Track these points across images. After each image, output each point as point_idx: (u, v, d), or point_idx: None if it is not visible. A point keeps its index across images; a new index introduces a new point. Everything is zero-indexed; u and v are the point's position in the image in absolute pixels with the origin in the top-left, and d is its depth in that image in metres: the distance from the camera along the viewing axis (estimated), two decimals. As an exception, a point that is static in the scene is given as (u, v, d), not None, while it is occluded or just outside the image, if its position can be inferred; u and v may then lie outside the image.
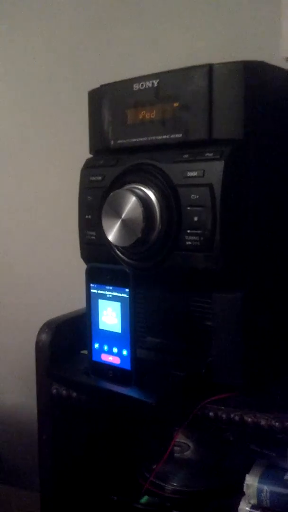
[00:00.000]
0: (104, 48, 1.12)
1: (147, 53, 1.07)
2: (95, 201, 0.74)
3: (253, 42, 0.98)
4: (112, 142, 0.74)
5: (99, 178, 0.74)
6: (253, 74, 0.65)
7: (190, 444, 0.89)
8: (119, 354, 0.67)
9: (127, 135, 0.73)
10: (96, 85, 0.77)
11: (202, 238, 0.64)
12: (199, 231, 0.64)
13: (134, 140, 0.72)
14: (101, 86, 0.75)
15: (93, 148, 0.79)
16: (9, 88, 1.26)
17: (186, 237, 0.65)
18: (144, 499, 0.79)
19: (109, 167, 0.73)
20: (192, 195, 0.64)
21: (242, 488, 0.71)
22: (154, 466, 0.83)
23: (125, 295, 0.66)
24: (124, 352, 0.66)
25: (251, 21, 0.99)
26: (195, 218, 0.64)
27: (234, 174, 0.63)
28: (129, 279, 0.65)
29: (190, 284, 0.69)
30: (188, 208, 0.65)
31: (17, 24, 1.23)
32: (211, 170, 0.63)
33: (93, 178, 0.75)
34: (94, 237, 0.75)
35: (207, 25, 1.03)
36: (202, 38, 1.03)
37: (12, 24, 1.23)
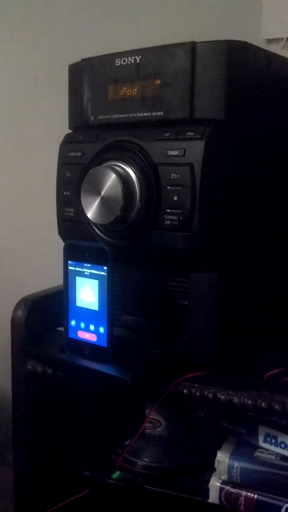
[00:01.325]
0: (84, 23, 1.10)
1: (128, 30, 1.06)
2: (73, 177, 0.73)
3: (234, 23, 0.98)
4: (92, 118, 0.74)
5: (79, 154, 0.73)
6: (236, 54, 0.65)
7: (162, 421, 0.90)
8: (95, 332, 0.67)
9: (108, 111, 0.72)
10: (76, 59, 0.76)
11: (181, 218, 0.64)
12: (178, 211, 0.64)
13: (114, 116, 0.71)
14: (82, 60, 0.74)
15: (72, 124, 0.78)
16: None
17: (165, 216, 0.65)
18: (116, 474, 0.80)
19: (88, 143, 0.73)
20: (172, 174, 0.64)
21: (213, 465, 0.73)
22: (127, 442, 0.84)
23: (103, 273, 0.66)
24: (101, 330, 0.66)
25: (233, 2, 0.98)
26: (175, 198, 0.64)
27: (214, 154, 0.63)
28: (107, 257, 0.65)
29: (168, 263, 0.69)
30: (168, 187, 0.65)
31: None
32: (192, 149, 0.63)
33: (72, 154, 0.74)
34: (72, 214, 0.74)
35: (189, 5, 1.02)
36: (182, 18, 1.02)
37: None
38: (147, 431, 0.87)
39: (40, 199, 1.15)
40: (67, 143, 0.76)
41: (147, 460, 0.82)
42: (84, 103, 0.74)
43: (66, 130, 0.78)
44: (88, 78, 0.73)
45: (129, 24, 1.06)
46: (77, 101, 0.75)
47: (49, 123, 1.13)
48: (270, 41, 0.94)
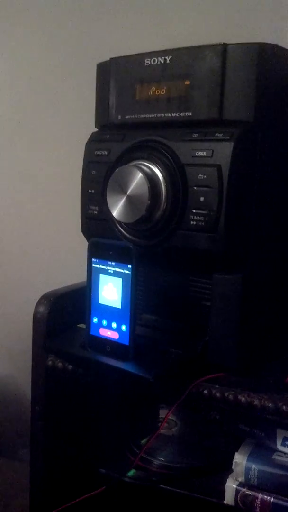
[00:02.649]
0: (114, 22, 1.10)
1: (157, 30, 1.06)
2: (99, 175, 0.74)
3: (262, 25, 0.98)
4: (119, 117, 0.74)
5: (105, 152, 0.74)
6: (267, 56, 0.65)
7: (177, 421, 0.91)
8: (118, 329, 0.67)
9: (135, 111, 0.72)
10: (103, 59, 0.76)
11: (207, 219, 0.64)
12: (204, 212, 0.64)
13: (142, 116, 0.71)
14: (111, 59, 0.74)
15: (98, 122, 0.78)
16: (14, 59, 1.24)
17: (191, 217, 0.65)
18: (131, 472, 0.80)
19: (115, 142, 0.73)
20: (200, 175, 0.64)
21: (228, 466, 0.73)
22: (143, 441, 0.84)
23: (127, 271, 0.66)
24: (123, 328, 0.67)
25: (262, 5, 0.98)
26: (201, 199, 0.64)
27: (242, 156, 0.63)
28: (132, 255, 0.65)
29: (191, 264, 0.69)
30: (195, 187, 0.65)
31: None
32: (220, 151, 0.63)
33: (98, 152, 0.74)
34: (96, 212, 0.74)
35: (217, 7, 1.01)
36: (211, 20, 1.02)
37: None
38: (162, 431, 0.87)
39: (63, 196, 1.16)
40: (93, 141, 0.76)
41: (162, 459, 0.82)
42: (111, 102, 0.74)
43: (92, 128, 0.79)
44: (116, 77, 0.74)
45: (158, 24, 1.06)
46: (104, 100, 0.75)
47: (75, 121, 1.14)
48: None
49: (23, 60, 1.22)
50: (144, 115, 0.71)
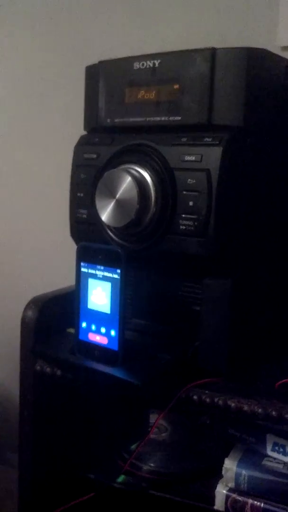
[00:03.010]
0: (103, 25, 1.10)
1: (146, 34, 1.06)
2: (88, 179, 0.73)
3: (250, 29, 0.98)
4: (108, 120, 0.73)
5: (94, 156, 0.73)
6: (256, 61, 0.65)
7: (167, 426, 0.90)
8: (106, 334, 0.67)
9: (124, 115, 0.72)
10: (92, 61, 0.75)
11: (196, 223, 0.64)
12: (193, 216, 0.64)
13: (131, 119, 0.71)
14: (100, 62, 0.74)
15: (87, 126, 0.78)
16: (2, 61, 1.23)
17: (180, 221, 0.65)
18: (121, 478, 0.80)
19: (104, 145, 0.73)
20: (189, 180, 0.64)
21: (218, 472, 0.73)
22: (132, 446, 0.84)
23: (116, 276, 0.65)
24: (112, 333, 0.66)
25: (249, 9, 0.98)
26: (190, 203, 0.64)
27: (231, 161, 0.63)
28: (121, 260, 0.65)
29: (181, 268, 0.69)
30: (184, 192, 0.64)
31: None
32: (209, 155, 0.63)
33: (87, 156, 0.74)
34: (85, 216, 0.74)
35: (205, 11, 1.02)
36: (199, 24, 1.02)
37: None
38: (152, 436, 0.86)
39: (52, 199, 1.15)
40: (82, 144, 0.76)
41: (152, 465, 0.82)
42: (100, 105, 0.74)
43: (80, 131, 0.78)
44: (105, 80, 0.73)
45: (147, 28, 1.06)
46: (93, 103, 0.75)
47: (63, 124, 1.13)
48: (286, 48, 0.94)
49: (11, 62, 1.22)
50: (133, 119, 0.71)
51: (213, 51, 0.64)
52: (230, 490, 0.71)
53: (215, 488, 0.72)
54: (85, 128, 0.78)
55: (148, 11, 1.06)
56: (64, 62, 1.15)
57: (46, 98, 1.18)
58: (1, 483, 1.12)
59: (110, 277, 0.66)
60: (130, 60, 0.70)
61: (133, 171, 0.67)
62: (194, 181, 0.64)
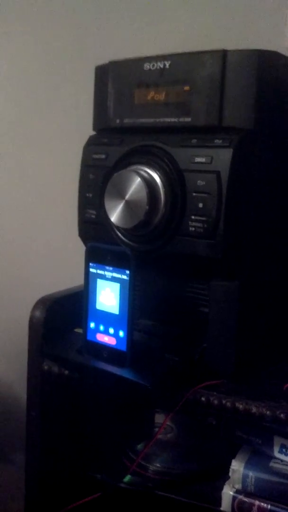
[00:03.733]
0: (113, 25, 1.10)
1: (155, 35, 1.06)
2: (96, 179, 0.73)
3: (258, 31, 0.98)
4: (117, 121, 0.73)
5: (103, 156, 0.73)
6: (267, 63, 0.65)
7: (173, 427, 0.90)
8: (115, 335, 0.67)
9: (134, 115, 0.72)
10: (102, 61, 0.75)
11: (205, 225, 0.64)
12: (203, 218, 0.64)
13: (140, 120, 0.71)
14: (110, 62, 0.74)
15: (96, 126, 0.78)
16: (11, 61, 1.23)
17: (190, 223, 0.65)
18: (127, 478, 0.80)
19: (113, 146, 0.72)
20: (199, 181, 0.64)
21: (225, 473, 0.73)
22: (139, 446, 0.84)
23: (125, 277, 0.66)
24: (121, 334, 0.66)
25: (257, 10, 0.98)
26: (200, 205, 0.64)
27: (242, 163, 0.63)
28: (130, 261, 0.65)
29: (189, 270, 0.69)
30: (194, 194, 0.64)
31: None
32: (219, 157, 0.63)
33: (96, 156, 0.74)
34: (94, 216, 0.74)
35: (214, 12, 1.01)
36: (205, 24, 1.02)
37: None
38: (158, 436, 0.86)
39: (60, 200, 1.15)
40: (91, 145, 0.76)
41: (158, 465, 0.82)
42: (109, 105, 0.74)
43: (89, 131, 0.78)
44: (115, 81, 0.73)
45: (157, 29, 1.06)
46: (103, 103, 0.75)
47: (71, 124, 1.13)
48: (294, 49, 0.94)
49: (20, 62, 1.22)
50: (142, 120, 0.71)
51: (224, 53, 0.64)
52: (237, 491, 0.71)
53: (222, 489, 0.72)
54: (94, 128, 0.78)
55: (158, 12, 1.06)
56: (73, 62, 1.14)
57: (55, 98, 1.18)
58: (9, 483, 1.12)
59: (119, 278, 0.66)
60: (140, 60, 0.70)
61: (143, 172, 0.67)
62: (204, 182, 0.64)
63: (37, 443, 0.76)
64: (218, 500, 0.72)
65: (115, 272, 0.67)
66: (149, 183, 0.66)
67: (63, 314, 0.76)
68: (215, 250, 0.64)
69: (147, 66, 0.70)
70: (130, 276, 0.65)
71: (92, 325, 0.69)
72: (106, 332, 0.68)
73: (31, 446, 0.77)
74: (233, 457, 0.72)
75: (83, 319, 0.70)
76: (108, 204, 0.68)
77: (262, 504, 0.69)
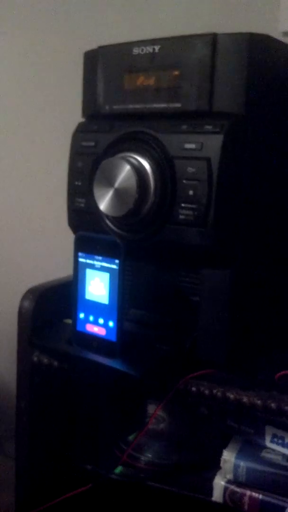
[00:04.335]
0: (102, 10, 1.08)
1: (145, 19, 1.04)
2: (86, 167, 0.72)
3: (251, 15, 0.96)
4: (106, 107, 0.72)
5: (92, 143, 0.72)
6: (258, 47, 0.64)
7: (165, 417, 0.90)
8: (105, 325, 0.66)
9: (123, 101, 0.70)
10: (91, 47, 0.74)
11: (196, 213, 0.63)
12: (193, 206, 0.63)
13: (130, 106, 0.70)
14: (99, 47, 0.72)
15: (85, 112, 0.76)
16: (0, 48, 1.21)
17: (180, 210, 0.64)
18: (118, 469, 0.79)
19: (102, 133, 0.71)
20: (189, 168, 0.63)
21: (216, 463, 0.72)
22: (130, 437, 0.83)
23: (114, 266, 0.65)
24: (110, 324, 0.65)
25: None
26: (190, 192, 0.63)
27: (232, 149, 0.62)
28: (120, 250, 0.64)
29: (180, 258, 0.68)
30: (184, 181, 0.63)
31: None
32: (210, 143, 0.62)
33: (85, 144, 0.73)
34: (83, 205, 0.73)
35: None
36: (198, 9, 1.00)
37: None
38: (150, 426, 0.86)
39: (49, 188, 1.14)
40: (80, 132, 0.74)
41: (150, 456, 0.81)
42: (98, 91, 0.72)
43: (78, 118, 0.77)
44: (104, 66, 0.72)
45: (147, 13, 1.04)
46: (92, 89, 0.73)
47: (60, 110, 1.12)
48: (287, 33, 0.93)
49: (7, 48, 1.20)
50: (132, 106, 0.69)
51: (214, 36, 0.63)
52: (229, 481, 0.70)
53: (213, 480, 0.72)
54: (83, 115, 0.77)
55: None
56: (62, 47, 1.13)
57: (43, 84, 1.16)
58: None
59: (108, 267, 0.65)
60: (129, 45, 0.69)
61: (132, 160, 0.65)
62: (194, 169, 0.63)
63: (27, 434, 0.76)
64: (209, 490, 0.72)
65: (104, 261, 0.66)
66: (138, 170, 0.64)
67: (53, 304, 0.75)
68: (205, 238, 0.63)
69: (136, 50, 0.68)
70: (119, 265, 0.64)
71: (81, 315, 0.68)
72: (95, 322, 0.67)
73: (21, 437, 0.76)
74: (225, 447, 0.72)
75: (72, 309, 0.69)
76: (97, 192, 0.67)
77: (253, 494, 0.69)
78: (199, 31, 0.64)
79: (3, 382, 1.22)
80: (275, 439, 0.69)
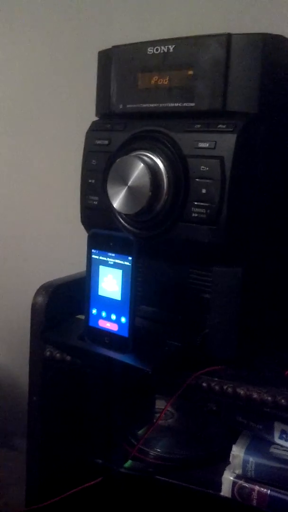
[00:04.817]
0: (116, 9, 1.08)
1: (160, 19, 1.04)
2: (99, 165, 0.73)
3: (264, 15, 0.97)
4: (120, 106, 0.73)
5: (105, 142, 0.73)
6: (271, 47, 0.64)
7: (174, 412, 0.91)
8: (117, 321, 0.67)
9: (137, 100, 0.71)
10: (105, 46, 0.75)
11: (208, 211, 0.64)
12: (206, 204, 0.64)
13: (144, 105, 0.70)
14: (113, 47, 0.73)
15: (99, 111, 0.77)
16: (14, 47, 1.22)
17: (193, 209, 0.65)
18: (128, 463, 0.80)
19: (116, 131, 0.72)
20: (202, 167, 0.64)
21: (225, 458, 0.73)
22: (139, 432, 0.84)
23: (127, 263, 0.65)
24: (123, 320, 0.66)
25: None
26: (203, 191, 0.64)
27: (246, 148, 0.63)
28: (133, 247, 0.65)
29: (192, 256, 0.69)
30: (197, 179, 0.64)
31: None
32: (223, 142, 0.63)
33: (99, 142, 0.73)
34: (96, 202, 0.74)
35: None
36: (211, 9, 1.00)
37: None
38: (159, 421, 0.87)
39: (63, 185, 1.15)
40: (94, 130, 0.75)
41: (159, 450, 0.82)
42: (112, 90, 0.73)
43: (92, 117, 0.78)
44: (118, 66, 0.73)
45: (161, 12, 1.04)
46: (106, 89, 0.74)
47: (74, 109, 1.13)
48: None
49: (21, 49, 1.21)
50: (145, 105, 0.70)
51: (228, 37, 0.63)
52: (237, 476, 0.71)
53: (222, 475, 0.73)
54: (97, 113, 0.78)
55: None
56: (75, 47, 1.13)
57: (57, 83, 1.17)
58: (10, 467, 1.13)
59: (121, 264, 0.66)
60: (143, 45, 0.70)
61: (146, 158, 0.66)
62: (207, 168, 0.63)
63: (39, 428, 0.77)
64: (218, 485, 0.73)
65: (117, 258, 0.66)
66: (152, 168, 0.65)
67: (65, 300, 0.76)
68: (217, 236, 0.64)
69: (150, 50, 0.69)
70: (132, 262, 0.65)
71: (94, 311, 0.69)
72: (108, 318, 0.68)
73: (33, 432, 0.77)
74: (234, 442, 0.73)
75: (85, 305, 0.70)
76: (110, 190, 0.68)
77: (262, 489, 0.69)
78: (212, 31, 0.65)
79: (16, 377, 1.23)
80: (284, 435, 0.70)
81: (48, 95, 1.18)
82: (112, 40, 0.74)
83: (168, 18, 1.03)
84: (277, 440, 0.71)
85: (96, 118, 0.77)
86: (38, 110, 1.20)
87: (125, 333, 0.66)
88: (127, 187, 0.66)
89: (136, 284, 0.66)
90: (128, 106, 0.72)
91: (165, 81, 0.68)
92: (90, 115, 0.78)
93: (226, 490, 0.72)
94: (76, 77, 1.13)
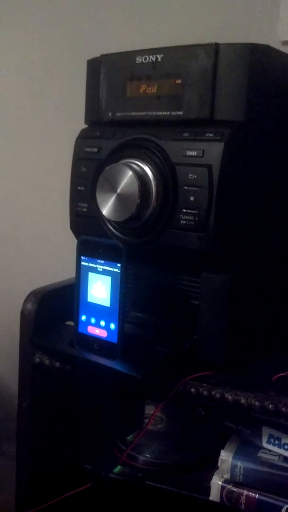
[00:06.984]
0: (105, 19, 1.09)
1: (146, 28, 1.05)
2: (88, 172, 0.73)
3: (250, 24, 0.98)
4: (109, 114, 0.74)
5: (95, 149, 0.73)
6: (259, 57, 0.65)
7: (163, 417, 0.91)
8: (106, 328, 0.67)
9: (126, 108, 0.72)
10: (94, 55, 0.75)
11: (197, 218, 0.64)
12: (194, 211, 0.64)
13: (133, 114, 0.71)
14: (102, 55, 0.74)
15: (88, 119, 0.78)
16: (2, 53, 1.22)
17: (181, 216, 0.65)
18: (117, 469, 0.81)
19: (105, 139, 0.73)
20: (190, 175, 0.65)
21: (213, 463, 0.73)
22: (129, 437, 0.85)
23: (116, 270, 0.66)
24: (112, 326, 0.67)
25: (250, 4, 0.98)
26: (191, 198, 0.65)
27: (233, 156, 0.64)
28: (121, 254, 0.65)
29: (181, 262, 0.69)
30: (185, 187, 0.65)
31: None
32: (211, 151, 0.64)
33: (88, 149, 0.74)
34: (85, 209, 0.74)
35: (206, 5, 1.01)
36: (199, 19, 1.02)
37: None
38: (148, 427, 0.87)
39: (52, 192, 1.15)
40: (83, 138, 0.76)
41: (148, 455, 0.83)
42: (101, 98, 0.74)
43: (81, 125, 0.78)
44: (107, 74, 0.73)
45: (149, 22, 1.05)
46: (95, 97, 0.75)
47: (63, 117, 1.13)
48: (286, 43, 0.95)
49: (12, 56, 1.21)
50: (134, 113, 0.71)
51: (216, 46, 0.64)
52: (226, 481, 0.72)
53: (211, 479, 0.73)
54: (86, 121, 0.78)
55: (150, 5, 1.06)
56: (65, 55, 1.14)
57: (46, 91, 1.17)
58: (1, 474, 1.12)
59: (110, 271, 0.67)
60: (132, 54, 0.70)
61: (134, 166, 0.67)
62: (195, 176, 0.64)
63: (28, 434, 0.77)
64: (207, 490, 0.73)
65: (106, 265, 0.67)
66: (140, 176, 0.66)
67: (55, 306, 0.77)
68: (206, 243, 0.65)
69: (139, 59, 0.70)
70: (121, 269, 0.66)
71: (83, 317, 0.70)
72: (97, 324, 0.68)
73: (22, 437, 0.78)
74: (222, 447, 0.73)
75: (74, 311, 0.70)
76: (99, 197, 0.68)
77: (250, 493, 0.70)
78: (201, 41, 0.66)
79: (4, 383, 1.23)
80: (272, 440, 0.71)
81: (38, 103, 1.19)
82: (102, 49, 0.75)
83: (157, 28, 1.04)
84: (265, 444, 0.71)
85: (85, 126, 0.78)
86: (27, 117, 1.21)
87: (114, 340, 0.67)
88: (116, 194, 0.67)
89: (125, 290, 0.66)
90: (117, 114, 0.73)
91: (154, 89, 0.69)
92: (81, 123, 0.78)
93: (214, 494, 0.72)
94: (65, 85, 1.14)
